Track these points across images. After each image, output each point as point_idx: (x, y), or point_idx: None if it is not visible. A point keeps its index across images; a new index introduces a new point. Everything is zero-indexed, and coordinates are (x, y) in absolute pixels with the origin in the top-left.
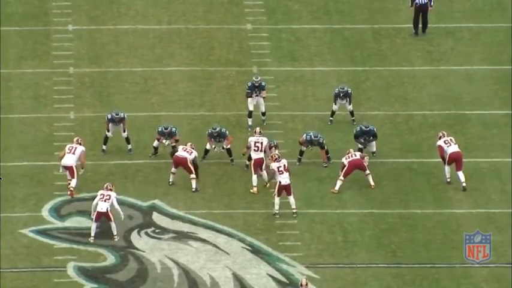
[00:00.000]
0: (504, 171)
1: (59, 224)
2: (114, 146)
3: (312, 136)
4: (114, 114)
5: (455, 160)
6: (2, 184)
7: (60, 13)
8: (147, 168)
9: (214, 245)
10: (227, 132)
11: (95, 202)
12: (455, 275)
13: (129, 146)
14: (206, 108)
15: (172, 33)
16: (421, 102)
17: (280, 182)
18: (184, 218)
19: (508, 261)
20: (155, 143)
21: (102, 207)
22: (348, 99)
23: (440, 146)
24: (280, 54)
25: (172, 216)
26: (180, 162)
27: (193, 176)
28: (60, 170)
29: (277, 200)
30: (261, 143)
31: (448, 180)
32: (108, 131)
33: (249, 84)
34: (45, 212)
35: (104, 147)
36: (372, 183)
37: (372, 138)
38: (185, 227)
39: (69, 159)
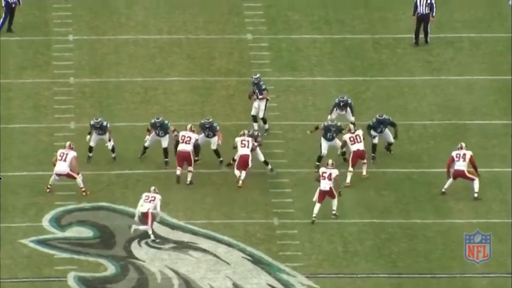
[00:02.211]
0: (504, 181)
1: (59, 234)
2: (115, 156)
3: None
4: (95, 121)
5: (459, 176)
6: (2, 194)
7: (60, 23)
8: (147, 178)
9: (215, 255)
10: (218, 127)
11: (139, 204)
12: (456, 285)
13: (113, 154)
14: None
15: (173, 43)
16: (422, 112)
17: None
18: (184, 227)
19: (508, 271)
20: (146, 140)
21: (145, 207)
22: (347, 110)
23: (451, 157)
24: (281, 64)
25: (173, 226)
26: (185, 158)
27: (191, 168)
28: (52, 178)
29: (317, 205)
30: (248, 141)
31: (444, 190)
32: (90, 134)
33: (251, 81)
34: (45, 222)
35: (90, 154)
36: (364, 172)
37: (387, 127)
38: (185, 237)
39: (62, 167)
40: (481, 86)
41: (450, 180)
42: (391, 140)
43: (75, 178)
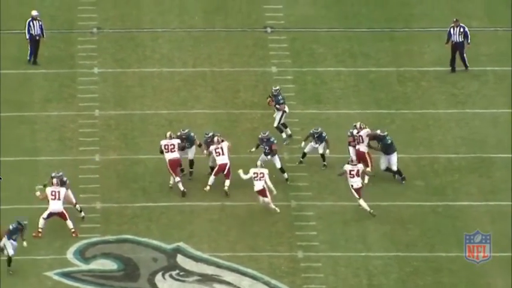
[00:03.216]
0: None
1: (83, 266)
2: (140, 189)
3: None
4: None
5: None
6: (27, 227)
7: (85, 56)
8: (171, 211)
9: None
10: (195, 137)
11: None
12: None
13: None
14: (232, 150)
15: (198, 76)
16: (446, 145)
17: (352, 186)
18: (208, 260)
19: None
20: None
21: (259, 185)
22: (321, 143)
23: None
24: (305, 96)
25: (197, 259)
26: (178, 164)
27: (178, 179)
28: (45, 216)
29: (362, 201)
30: (221, 148)
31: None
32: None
33: (271, 91)
34: (70, 255)
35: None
36: (366, 181)
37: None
38: (210, 270)
39: (56, 205)
40: (506, 119)
41: None
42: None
43: (66, 219)
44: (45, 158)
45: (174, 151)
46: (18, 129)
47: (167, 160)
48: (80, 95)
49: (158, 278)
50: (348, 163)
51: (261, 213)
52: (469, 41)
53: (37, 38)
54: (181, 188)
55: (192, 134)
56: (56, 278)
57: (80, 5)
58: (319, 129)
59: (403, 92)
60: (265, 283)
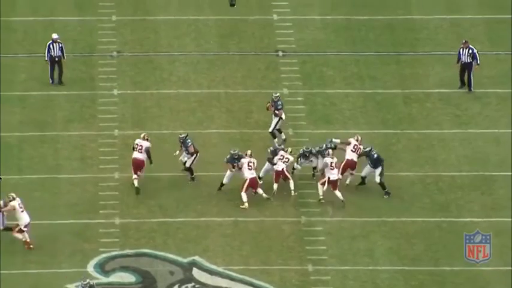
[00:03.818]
0: None
1: (103, 279)
2: (157, 205)
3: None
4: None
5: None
6: (49, 241)
7: (106, 78)
8: (187, 226)
9: None
10: (190, 142)
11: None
12: None
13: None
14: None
15: (212, 97)
16: (450, 164)
17: (329, 178)
18: (223, 273)
19: None
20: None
21: (280, 166)
22: (313, 159)
23: None
24: (315, 117)
25: (212, 272)
26: (139, 165)
27: (141, 174)
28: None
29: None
30: (253, 163)
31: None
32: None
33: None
34: (90, 268)
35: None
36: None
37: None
38: (224, 283)
39: (27, 216)
40: (507, 139)
41: None
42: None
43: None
44: (66, 175)
45: (141, 152)
46: (41, 148)
47: (132, 157)
48: (100, 115)
49: None
50: (328, 155)
51: (273, 229)
52: (478, 61)
53: (56, 59)
54: (136, 185)
55: (188, 140)
56: None
57: (100, 29)
58: (310, 148)
59: (408, 113)
60: None
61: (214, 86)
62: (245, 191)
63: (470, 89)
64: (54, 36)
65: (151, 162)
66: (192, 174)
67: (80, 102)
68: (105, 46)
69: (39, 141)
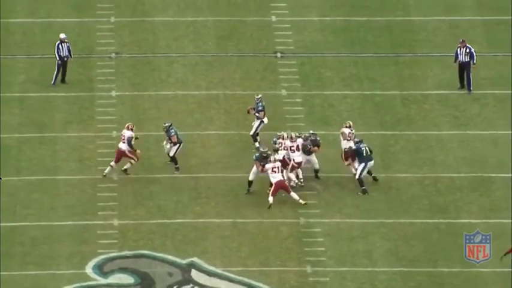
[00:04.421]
0: None
1: (102, 280)
2: (156, 206)
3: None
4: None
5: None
6: (47, 243)
7: (104, 80)
8: (185, 228)
9: None
10: (173, 132)
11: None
12: None
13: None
14: (243, 170)
15: (211, 99)
16: (449, 165)
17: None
18: (221, 275)
19: None
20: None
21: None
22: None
23: None
24: (314, 118)
25: (210, 273)
26: (121, 154)
27: (132, 160)
28: None
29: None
30: (278, 167)
31: None
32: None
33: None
34: (89, 269)
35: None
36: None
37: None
38: (222, 284)
39: None
40: (505, 141)
41: None
42: (317, 166)
43: None
44: (65, 177)
45: (124, 142)
46: (39, 150)
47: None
48: (99, 117)
49: None
50: (284, 138)
51: (271, 230)
52: (474, 61)
53: (65, 59)
54: (106, 171)
55: (172, 130)
56: None
57: (98, 31)
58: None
59: (407, 114)
60: None
61: (213, 87)
62: (272, 195)
63: (469, 90)
64: (62, 36)
65: (134, 150)
66: (176, 164)
67: (78, 103)
68: (103, 47)
69: (37, 142)
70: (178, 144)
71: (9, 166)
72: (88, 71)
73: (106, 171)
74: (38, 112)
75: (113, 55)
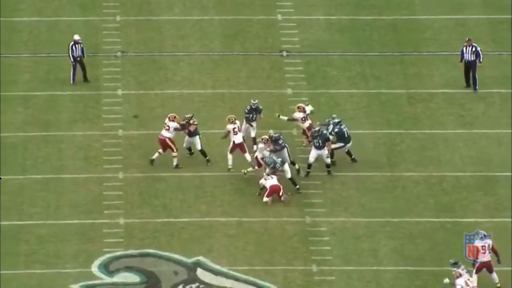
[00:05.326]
0: None
1: (107, 279)
2: (161, 205)
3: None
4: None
5: (484, 268)
6: (53, 241)
7: (110, 78)
8: (191, 226)
9: None
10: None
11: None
12: None
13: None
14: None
15: (217, 97)
16: (454, 164)
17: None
18: (227, 274)
19: None
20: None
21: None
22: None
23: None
24: (320, 117)
25: (216, 272)
26: (163, 144)
27: (174, 153)
28: None
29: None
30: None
31: None
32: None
33: (248, 108)
34: (94, 268)
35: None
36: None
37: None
38: (228, 283)
39: None
40: (510, 140)
41: (474, 276)
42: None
43: None
44: (70, 175)
45: (167, 130)
46: (45, 148)
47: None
48: (105, 115)
49: None
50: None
51: (277, 229)
52: (481, 60)
53: (78, 59)
54: (153, 157)
55: (190, 121)
56: None
57: (104, 30)
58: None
59: (413, 113)
60: None
61: (219, 86)
62: (268, 196)
63: (475, 89)
64: (76, 37)
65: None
66: (206, 156)
67: (84, 102)
68: (109, 46)
69: (43, 141)
70: (197, 136)
71: (14, 165)
72: (94, 69)
73: (154, 156)
74: (43, 111)
75: (119, 54)
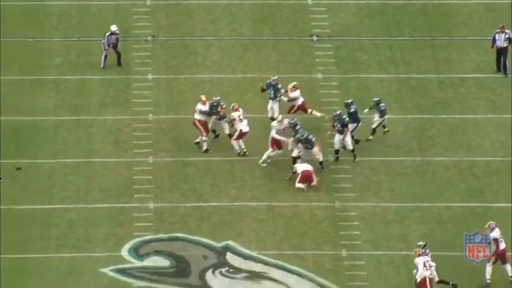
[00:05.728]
0: None
1: (137, 263)
2: (191, 189)
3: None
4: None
5: (500, 258)
6: (84, 225)
7: (140, 63)
8: (221, 211)
9: (286, 285)
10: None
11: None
12: None
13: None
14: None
15: (246, 82)
16: (484, 149)
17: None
18: (256, 258)
19: None
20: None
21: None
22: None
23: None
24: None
25: (245, 257)
26: (201, 124)
27: (204, 137)
28: None
29: (489, 268)
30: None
31: (488, 281)
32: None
33: (267, 82)
34: (124, 252)
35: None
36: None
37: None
38: (257, 267)
39: None
40: None
41: (488, 267)
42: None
43: None
44: (101, 159)
45: (202, 112)
46: (76, 132)
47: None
48: (135, 100)
49: (208, 274)
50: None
51: (306, 214)
52: None
53: (111, 46)
54: (204, 147)
55: (218, 104)
56: (112, 274)
57: (135, 14)
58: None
59: (443, 98)
60: (311, 280)
61: (249, 70)
62: (300, 182)
63: (505, 74)
64: (113, 28)
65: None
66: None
67: (114, 86)
68: (139, 31)
69: (73, 125)
70: (224, 119)
71: (45, 149)
72: (124, 54)
73: (204, 147)
74: (74, 95)
75: (149, 38)
